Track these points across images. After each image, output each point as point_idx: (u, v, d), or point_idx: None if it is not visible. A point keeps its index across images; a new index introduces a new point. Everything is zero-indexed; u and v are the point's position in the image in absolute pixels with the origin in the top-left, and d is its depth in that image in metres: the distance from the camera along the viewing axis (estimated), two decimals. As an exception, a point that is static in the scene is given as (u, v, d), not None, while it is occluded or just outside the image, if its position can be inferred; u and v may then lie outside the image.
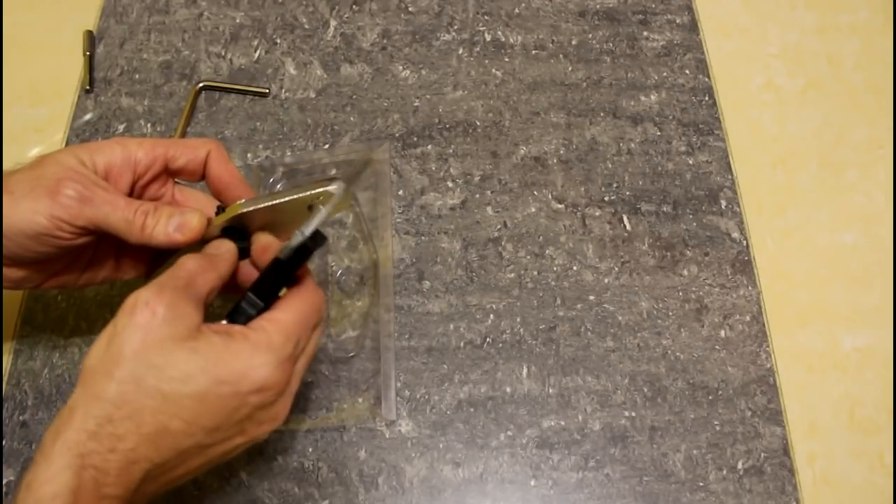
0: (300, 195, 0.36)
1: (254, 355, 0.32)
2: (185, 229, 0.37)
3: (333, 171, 0.55)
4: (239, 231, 0.39)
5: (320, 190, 0.36)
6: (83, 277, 0.42)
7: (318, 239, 0.35)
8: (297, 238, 0.34)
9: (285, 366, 0.34)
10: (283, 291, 0.37)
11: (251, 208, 0.38)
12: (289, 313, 0.35)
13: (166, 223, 0.37)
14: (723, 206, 0.55)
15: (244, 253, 0.39)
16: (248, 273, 0.39)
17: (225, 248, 0.37)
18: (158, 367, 0.31)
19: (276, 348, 0.33)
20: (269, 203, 0.38)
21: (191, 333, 0.32)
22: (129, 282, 0.52)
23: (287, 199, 0.37)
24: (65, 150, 0.37)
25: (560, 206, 0.55)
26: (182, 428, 0.31)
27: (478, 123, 0.58)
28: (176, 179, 0.42)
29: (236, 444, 0.34)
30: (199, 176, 0.41)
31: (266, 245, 0.38)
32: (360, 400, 0.49)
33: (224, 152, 0.41)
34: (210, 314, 0.35)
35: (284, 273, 0.36)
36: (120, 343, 0.31)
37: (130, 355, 0.30)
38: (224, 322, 0.35)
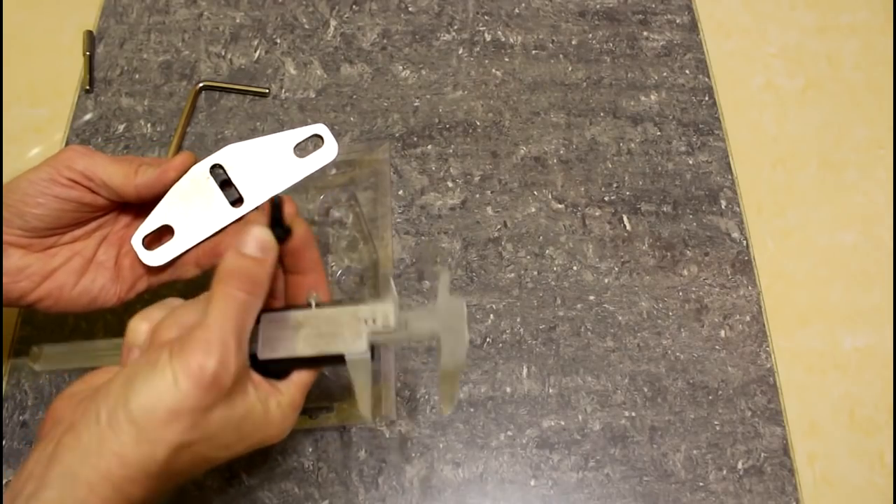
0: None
1: (284, 421, 0.34)
2: (173, 161, 0.40)
3: (335, 171, 0.55)
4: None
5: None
6: (80, 283, 0.41)
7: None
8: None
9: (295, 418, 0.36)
10: None
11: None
12: (310, 376, 0.36)
13: (157, 162, 0.39)
14: (723, 206, 0.55)
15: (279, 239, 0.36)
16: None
17: (267, 251, 0.33)
18: (210, 438, 0.31)
19: (298, 409, 0.35)
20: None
21: (242, 399, 0.32)
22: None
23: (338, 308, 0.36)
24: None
25: (560, 206, 0.55)
26: (204, 466, 0.33)
27: (478, 123, 0.58)
28: None
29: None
30: None
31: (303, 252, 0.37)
32: (360, 400, 0.49)
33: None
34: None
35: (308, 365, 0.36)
36: (181, 412, 0.30)
37: (189, 427, 0.30)
38: (260, 376, 0.34)
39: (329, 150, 0.42)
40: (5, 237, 0.38)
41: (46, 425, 0.32)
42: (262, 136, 0.41)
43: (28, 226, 0.38)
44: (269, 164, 0.41)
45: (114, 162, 0.39)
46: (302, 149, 0.41)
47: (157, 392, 0.29)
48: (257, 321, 0.34)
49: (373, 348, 0.35)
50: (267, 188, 0.41)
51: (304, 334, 0.35)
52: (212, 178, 0.41)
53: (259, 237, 0.33)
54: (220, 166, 0.41)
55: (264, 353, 0.34)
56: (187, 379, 0.29)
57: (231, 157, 0.41)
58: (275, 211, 0.35)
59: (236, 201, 0.41)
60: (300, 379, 0.35)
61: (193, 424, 0.30)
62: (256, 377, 0.34)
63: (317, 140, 0.42)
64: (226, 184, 0.41)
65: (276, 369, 0.35)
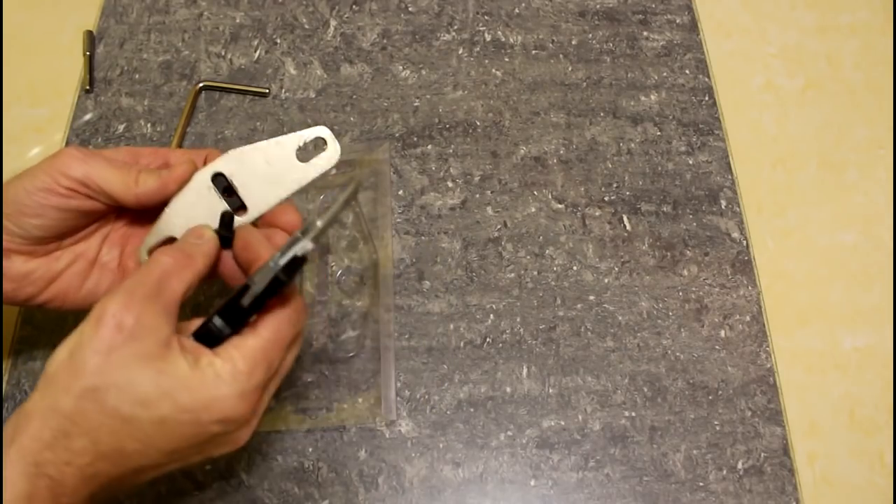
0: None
1: (219, 386, 0.31)
2: (174, 172, 0.38)
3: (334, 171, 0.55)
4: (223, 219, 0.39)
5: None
6: (85, 286, 0.41)
7: (294, 266, 0.33)
8: (268, 272, 0.33)
9: (251, 397, 0.33)
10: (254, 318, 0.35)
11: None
12: (261, 339, 0.33)
13: (157, 172, 0.38)
14: (723, 206, 0.55)
15: (226, 242, 0.38)
16: (231, 265, 0.38)
17: (206, 240, 0.36)
18: (119, 387, 0.30)
19: (241, 379, 0.32)
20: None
21: (158, 351, 0.31)
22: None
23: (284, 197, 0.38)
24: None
25: (560, 206, 0.55)
26: (138, 449, 0.31)
27: (478, 123, 0.58)
28: None
29: (194, 461, 0.34)
30: None
31: (249, 243, 0.36)
32: (360, 400, 0.49)
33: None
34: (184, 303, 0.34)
35: (256, 302, 0.33)
36: (83, 357, 0.30)
37: (92, 371, 0.29)
38: (192, 339, 0.33)
39: (332, 154, 0.40)
40: (6, 244, 0.37)
41: None
42: (264, 140, 0.40)
43: (28, 235, 0.37)
44: (271, 169, 0.40)
45: (113, 167, 0.37)
46: (304, 151, 0.41)
47: (66, 343, 0.30)
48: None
49: (291, 269, 0.33)
50: (270, 194, 0.40)
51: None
52: (214, 188, 0.40)
53: (197, 229, 0.37)
54: (222, 174, 0.40)
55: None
56: (88, 322, 0.30)
57: (232, 163, 0.40)
58: (223, 223, 0.38)
59: (239, 209, 0.40)
60: (238, 341, 0.33)
61: (97, 367, 0.29)
62: (187, 341, 0.33)
63: (318, 142, 0.41)
64: (228, 191, 0.40)
65: (213, 338, 0.33)
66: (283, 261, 0.33)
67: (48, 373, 0.30)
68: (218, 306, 0.34)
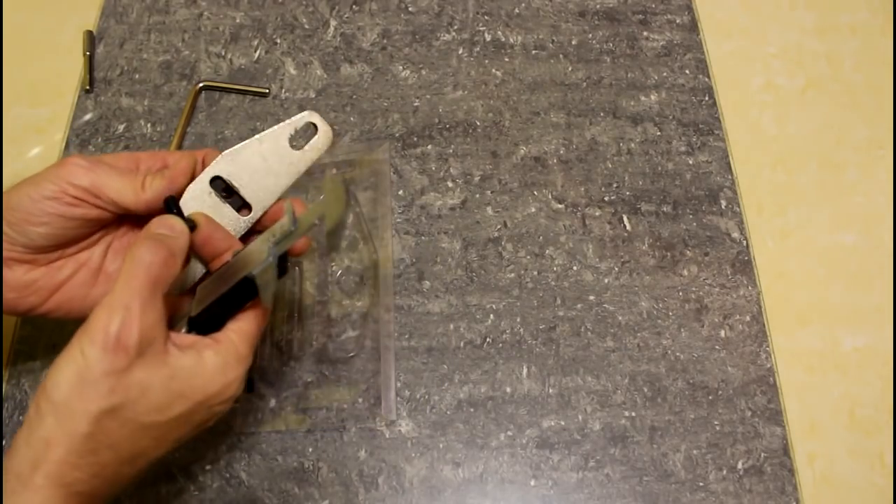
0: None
1: (227, 372, 0.34)
2: (177, 166, 0.38)
3: (334, 171, 0.55)
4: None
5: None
6: (91, 296, 0.40)
7: (286, 258, 0.35)
8: (266, 264, 0.34)
9: (247, 371, 0.35)
10: None
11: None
12: (251, 322, 0.36)
13: (161, 173, 0.38)
14: (723, 206, 0.55)
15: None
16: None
17: (179, 233, 0.36)
18: (135, 401, 0.31)
19: (244, 361, 0.35)
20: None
21: (162, 358, 0.32)
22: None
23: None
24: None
25: (560, 206, 0.55)
26: (155, 445, 0.33)
27: (478, 123, 0.58)
28: None
29: (191, 434, 0.35)
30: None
31: (211, 238, 0.38)
32: (360, 400, 0.49)
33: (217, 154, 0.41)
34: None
35: (233, 305, 0.35)
36: (94, 380, 0.30)
37: (106, 394, 0.30)
38: (186, 328, 0.35)
39: (324, 136, 0.41)
40: (8, 253, 0.37)
41: None
42: (254, 136, 0.40)
43: (33, 244, 0.37)
44: (267, 163, 0.41)
45: (118, 175, 0.37)
46: (296, 139, 0.41)
47: (67, 366, 0.30)
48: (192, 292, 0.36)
49: (284, 261, 0.35)
50: (271, 187, 0.41)
51: (218, 275, 0.36)
52: (214, 192, 0.40)
53: (168, 221, 0.36)
54: (219, 177, 0.40)
55: (193, 309, 0.35)
56: (91, 346, 0.30)
57: (228, 164, 0.40)
58: (170, 208, 0.37)
59: (242, 208, 0.41)
60: (236, 326, 0.35)
61: (110, 390, 0.30)
62: (180, 336, 0.34)
63: (308, 127, 0.41)
64: (228, 192, 0.40)
65: (210, 323, 0.35)
66: (279, 252, 0.34)
67: (56, 399, 0.30)
68: (206, 293, 0.35)
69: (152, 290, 0.32)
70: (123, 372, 0.30)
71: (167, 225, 0.36)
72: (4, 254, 0.37)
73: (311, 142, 0.41)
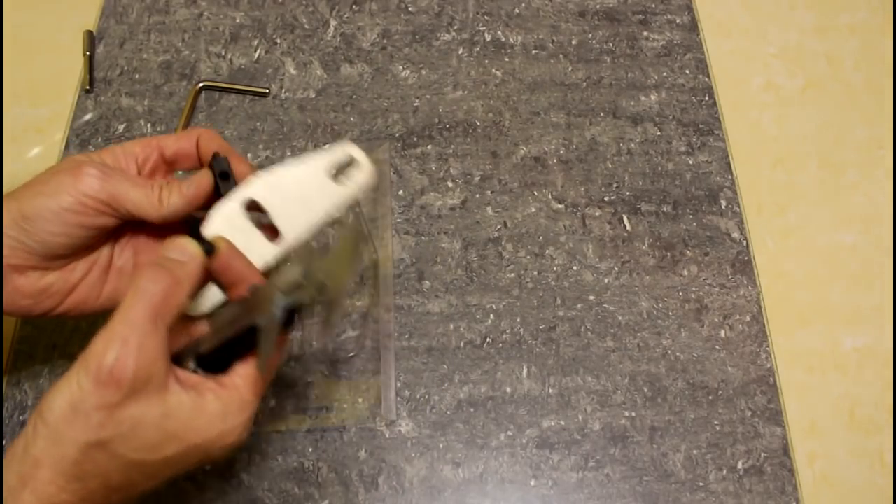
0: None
1: (227, 419, 0.32)
2: (195, 186, 0.37)
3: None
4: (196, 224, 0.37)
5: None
6: (104, 294, 0.40)
7: (297, 310, 0.32)
8: (273, 317, 0.32)
9: (251, 419, 0.34)
10: None
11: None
12: (251, 365, 0.34)
13: (179, 189, 0.37)
14: (723, 206, 0.55)
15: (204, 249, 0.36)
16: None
17: (190, 257, 0.34)
18: (126, 437, 0.30)
19: (248, 409, 0.33)
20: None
21: (158, 395, 0.31)
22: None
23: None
24: (70, 157, 0.37)
25: (560, 206, 0.55)
26: (147, 480, 0.32)
27: (478, 123, 0.58)
28: (178, 171, 0.41)
29: (187, 471, 0.34)
30: (195, 160, 0.40)
31: (231, 267, 0.36)
32: (360, 400, 0.49)
33: (214, 135, 0.40)
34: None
35: (242, 346, 0.33)
36: (85, 412, 0.30)
37: (96, 426, 0.30)
38: (192, 366, 0.33)
39: (366, 173, 0.38)
40: (23, 262, 0.36)
41: None
42: (292, 161, 0.38)
43: (50, 252, 0.37)
44: (303, 191, 0.38)
45: (134, 185, 0.36)
46: (335, 171, 0.39)
47: (62, 392, 0.30)
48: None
49: (291, 314, 0.33)
50: (305, 219, 0.38)
51: (230, 312, 0.34)
52: (247, 216, 0.38)
53: (180, 244, 0.34)
54: (254, 200, 0.38)
55: (203, 345, 0.34)
56: (87, 377, 0.30)
57: (263, 187, 0.38)
58: (193, 229, 0.35)
59: (274, 236, 0.38)
60: (244, 371, 0.34)
61: (101, 423, 0.30)
62: (185, 373, 0.33)
63: (350, 160, 0.39)
64: (260, 217, 0.38)
65: (217, 361, 0.33)
66: (286, 304, 0.32)
67: (49, 421, 0.30)
68: (217, 334, 0.34)
69: (153, 321, 0.31)
70: (115, 407, 0.30)
71: (179, 248, 0.34)
72: (19, 262, 0.36)
73: (353, 177, 0.39)
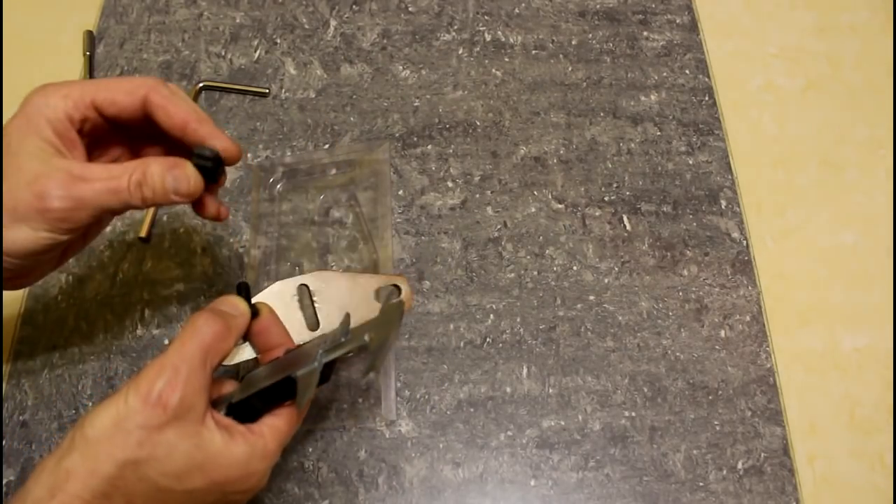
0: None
1: (251, 463, 0.35)
2: (182, 183, 0.37)
3: (333, 173, 0.55)
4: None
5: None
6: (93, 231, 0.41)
7: (333, 365, 0.37)
8: (311, 371, 0.36)
9: (270, 469, 0.36)
10: None
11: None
12: (286, 422, 0.37)
13: (162, 182, 0.36)
14: (723, 206, 0.55)
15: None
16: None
17: (241, 313, 0.38)
18: (159, 460, 0.32)
19: (270, 458, 0.36)
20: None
21: (195, 428, 0.33)
22: (129, 281, 0.52)
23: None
24: (21, 132, 0.35)
25: (560, 206, 0.55)
26: (160, 499, 0.33)
27: (478, 123, 0.58)
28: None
29: None
30: (141, 119, 0.37)
31: (268, 329, 0.39)
32: (360, 400, 0.49)
33: (166, 88, 0.37)
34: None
35: (273, 399, 0.37)
36: (128, 430, 0.31)
37: (135, 445, 0.31)
38: (225, 410, 0.36)
39: (403, 302, 0.44)
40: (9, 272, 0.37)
41: None
42: (352, 272, 0.45)
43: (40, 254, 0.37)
44: (349, 299, 0.44)
45: (108, 191, 0.35)
46: (380, 293, 0.45)
47: (108, 410, 0.32)
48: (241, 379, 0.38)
49: (329, 369, 0.37)
50: (339, 321, 0.42)
51: (265, 370, 0.37)
52: (297, 297, 0.43)
53: (233, 301, 0.38)
54: (307, 287, 0.44)
55: (236, 395, 0.36)
56: (136, 397, 0.32)
57: (319, 282, 0.44)
58: (241, 291, 0.40)
59: (313, 325, 0.43)
60: (271, 422, 0.36)
61: (139, 442, 0.31)
62: (219, 415, 0.35)
63: (395, 290, 0.46)
64: (308, 306, 0.43)
65: (247, 412, 0.36)
66: (327, 359, 0.36)
67: (90, 436, 0.31)
68: (250, 384, 0.36)
69: (202, 358, 0.34)
70: (156, 429, 0.32)
71: (231, 304, 0.38)
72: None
73: (389, 301, 0.45)
